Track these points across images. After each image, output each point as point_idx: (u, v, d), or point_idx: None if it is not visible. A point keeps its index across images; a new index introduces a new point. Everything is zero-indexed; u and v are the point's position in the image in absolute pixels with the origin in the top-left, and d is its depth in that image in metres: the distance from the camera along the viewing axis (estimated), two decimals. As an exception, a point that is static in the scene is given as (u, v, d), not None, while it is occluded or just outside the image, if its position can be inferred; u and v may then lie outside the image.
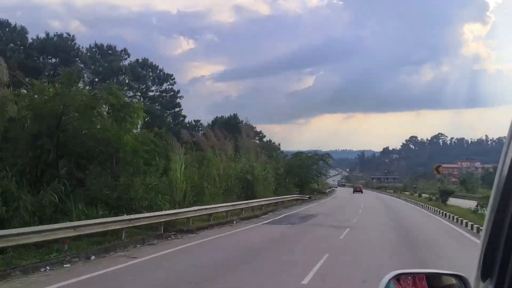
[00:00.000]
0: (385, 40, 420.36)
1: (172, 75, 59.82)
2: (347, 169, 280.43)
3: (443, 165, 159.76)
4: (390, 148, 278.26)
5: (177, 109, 60.74)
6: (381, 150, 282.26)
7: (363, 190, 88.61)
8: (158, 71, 60.21)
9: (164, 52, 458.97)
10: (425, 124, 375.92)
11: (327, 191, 78.73)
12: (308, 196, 50.46)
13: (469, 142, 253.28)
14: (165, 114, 57.49)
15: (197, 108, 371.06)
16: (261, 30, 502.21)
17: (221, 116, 64.33)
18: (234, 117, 63.85)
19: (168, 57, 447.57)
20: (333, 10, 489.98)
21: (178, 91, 61.54)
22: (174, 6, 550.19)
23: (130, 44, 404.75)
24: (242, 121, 60.55)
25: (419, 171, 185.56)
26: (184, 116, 62.15)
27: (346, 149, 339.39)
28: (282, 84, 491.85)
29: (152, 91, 60.05)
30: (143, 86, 58.31)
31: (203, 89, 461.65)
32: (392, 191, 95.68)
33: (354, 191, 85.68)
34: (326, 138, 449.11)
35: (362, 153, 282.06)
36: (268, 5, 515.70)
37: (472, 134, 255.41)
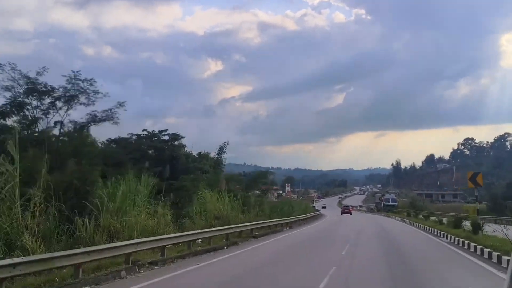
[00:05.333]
0: (419, 53, 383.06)
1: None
2: (378, 185, 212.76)
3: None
4: (437, 156, 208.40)
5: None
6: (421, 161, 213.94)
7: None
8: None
9: (193, 75, 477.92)
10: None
11: None
12: None
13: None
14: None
15: (226, 129, 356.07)
16: (288, 48, 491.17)
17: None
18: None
19: (197, 79, 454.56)
20: (362, 25, 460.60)
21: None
22: (200, 27, 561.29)
23: (161, 66, 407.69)
24: None
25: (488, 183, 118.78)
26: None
27: (380, 167, 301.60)
28: (312, 102, 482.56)
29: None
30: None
31: (233, 109, 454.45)
32: None
33: (343, 212, 72.13)
34: (359, 156, 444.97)
35: (397, 164, 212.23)
36: (294, 21, 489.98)
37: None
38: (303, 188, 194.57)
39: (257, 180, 40.08)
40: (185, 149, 47.58)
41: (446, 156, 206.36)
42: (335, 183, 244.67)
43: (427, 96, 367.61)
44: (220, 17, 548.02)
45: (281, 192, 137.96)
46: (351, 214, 69.86)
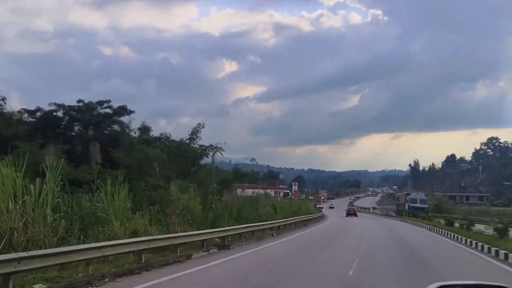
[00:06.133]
0: (436, 55, 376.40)
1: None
2: (394, 187, 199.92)
3: None
4: (458, 157, 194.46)
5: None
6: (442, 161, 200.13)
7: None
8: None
9: (208, 76, 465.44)
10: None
11: None
12: None
13: None
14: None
15: (240, 129, 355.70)
16: (303, 49, 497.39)
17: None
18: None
19: (212, 80, 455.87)
20: (378, 26, 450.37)
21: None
22: (216, 28, 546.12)
23: (176, 66, 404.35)
24: None
25: None
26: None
27: (395, 169, 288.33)
28: (326, 104, 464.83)
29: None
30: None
31: (247, 110, 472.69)
32: None
33: (348, 214, 68.35)
34: (374, 158, 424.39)
35: (415, 165, 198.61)
36: (310, 22, 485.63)
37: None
38: (314, 188, 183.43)
39: (194, 160, 28.11)
40: (151, 133, 37.21)
41: (468, 157, 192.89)
42: (348, 183, 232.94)
43: (444, 98, 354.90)
44: (235, 18, 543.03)
45: (288, 192, 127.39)
46: (356, 216, 65.71)
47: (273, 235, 23.81)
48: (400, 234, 29.77)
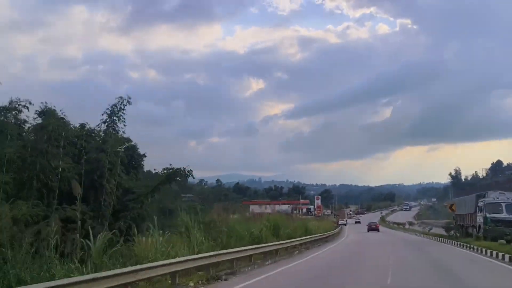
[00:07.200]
0: (471, 62, 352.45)
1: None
2: (433, 199, 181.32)
3: None
4: (505, 164, 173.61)
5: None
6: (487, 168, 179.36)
7: None
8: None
9: (235, 94, 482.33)
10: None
11: None
12: None
13: None
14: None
15: (270, 147, 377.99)
16: (331, 63, 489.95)
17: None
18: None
19: (239, 98, 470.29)
20: (408, 35, 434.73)
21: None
22: (241, 46, 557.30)
23: (203, 87, 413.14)
24: None
25: None
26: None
27: (433, 182, 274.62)
28: (357, 117, 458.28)
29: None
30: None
31: (276, 127, 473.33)
32: None
33: (369, 229, 69.51)
34: (409, 171, 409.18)
35: (456, 174, 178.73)
36: (336, 36, 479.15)
37: None
38: (342, 203, 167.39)
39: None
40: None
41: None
42: (381, 197, 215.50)
43: (483, 106, 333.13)
44: (260, 35, 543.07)
45: (310, 207, 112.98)
46: (378, 231, 68.14)
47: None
48: None
